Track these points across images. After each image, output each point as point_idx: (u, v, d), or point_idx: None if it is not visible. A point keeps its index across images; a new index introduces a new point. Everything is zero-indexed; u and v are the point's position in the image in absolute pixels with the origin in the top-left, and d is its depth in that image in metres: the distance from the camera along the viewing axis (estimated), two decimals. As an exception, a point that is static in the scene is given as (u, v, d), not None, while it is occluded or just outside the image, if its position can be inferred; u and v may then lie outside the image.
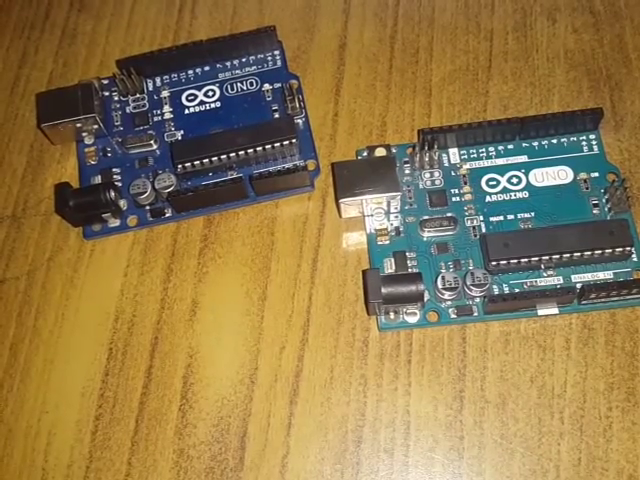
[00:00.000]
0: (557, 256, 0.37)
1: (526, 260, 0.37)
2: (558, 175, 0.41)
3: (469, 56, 0.46)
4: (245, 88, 0.45)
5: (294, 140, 0.41)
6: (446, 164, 0.42)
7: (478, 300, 0.38)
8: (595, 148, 0.41)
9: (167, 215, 0.43)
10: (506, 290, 0.38)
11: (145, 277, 0.42)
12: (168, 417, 0.38)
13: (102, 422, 0.39)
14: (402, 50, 0.46)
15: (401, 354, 0.38)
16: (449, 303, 0.38)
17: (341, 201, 0.39)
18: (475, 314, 0.38)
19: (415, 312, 0.38)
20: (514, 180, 0.41)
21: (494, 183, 0.41)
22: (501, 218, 0.40)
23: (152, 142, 0.44)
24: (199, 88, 0.46)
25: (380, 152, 0.42)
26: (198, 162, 0.41)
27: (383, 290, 0.36)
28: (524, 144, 0.42)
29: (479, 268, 0.38)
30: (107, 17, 0.51)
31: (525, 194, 0.41)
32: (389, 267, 0.39)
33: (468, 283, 0.37)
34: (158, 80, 0.46)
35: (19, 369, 0.40)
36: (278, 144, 0.41)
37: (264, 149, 0.41)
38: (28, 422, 0.39)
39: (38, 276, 0.42)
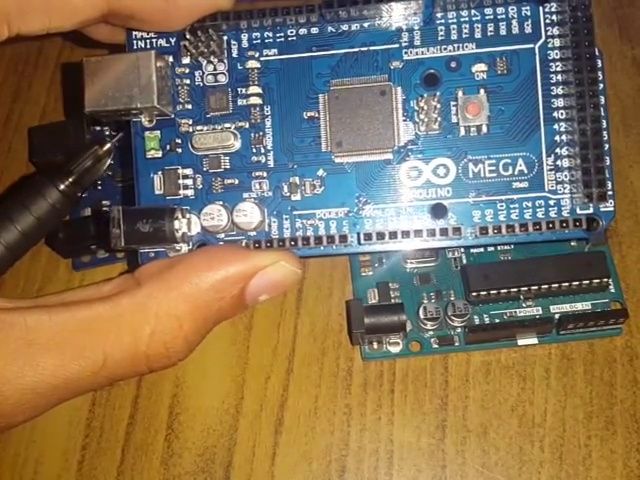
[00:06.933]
0: (536, 287, 0.38)
1: (506, 291, 0.38)
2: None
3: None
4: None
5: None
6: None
7: (459, 330, 0.39)
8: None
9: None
10: (486, 320, 0.39)
11: (133, 307, 0.42)
12: (154, 447, 0.39)
13: (89, 452, 0.39)
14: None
15: (384, 383, 0.39)
16: (431, 333, 0.39)
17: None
18: (457, 344, 0.39)
19: (398, 342, 0.39)
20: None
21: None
22: (481, 250, 0.41)
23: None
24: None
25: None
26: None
27: (366, 320, 0.37)
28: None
29: (460, 299, 0.39)
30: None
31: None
32: (372, 298, 0.40)
33: (449, 313, 0.38)
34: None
35: (7, 399, 0.41)
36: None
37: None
38: (16, 450, 0.40)
39: (28, 306, 0.43)
